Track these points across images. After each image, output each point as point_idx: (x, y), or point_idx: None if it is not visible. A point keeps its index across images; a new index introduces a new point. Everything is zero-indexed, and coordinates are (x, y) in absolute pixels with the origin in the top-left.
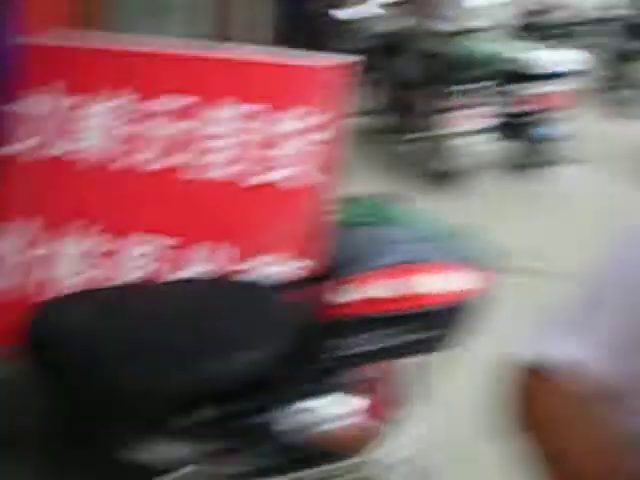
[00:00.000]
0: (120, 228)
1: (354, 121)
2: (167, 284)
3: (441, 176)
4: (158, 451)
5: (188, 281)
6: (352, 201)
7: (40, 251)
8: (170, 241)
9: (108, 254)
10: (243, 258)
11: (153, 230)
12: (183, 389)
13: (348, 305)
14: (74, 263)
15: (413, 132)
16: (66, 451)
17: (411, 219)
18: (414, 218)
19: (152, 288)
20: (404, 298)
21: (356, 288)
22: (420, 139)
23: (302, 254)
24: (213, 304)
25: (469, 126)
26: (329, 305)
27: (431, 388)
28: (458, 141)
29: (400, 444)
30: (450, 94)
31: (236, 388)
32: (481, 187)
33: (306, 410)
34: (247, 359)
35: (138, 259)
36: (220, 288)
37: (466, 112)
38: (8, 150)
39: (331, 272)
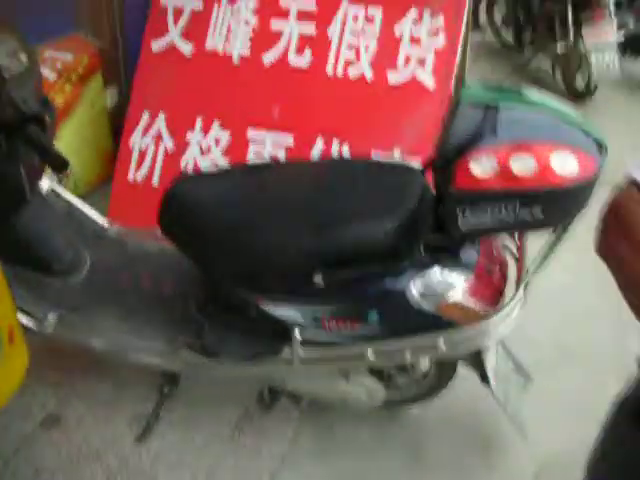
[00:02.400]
0: (240, 124)
1: (476, 34)
2: (301, 162)
3: (571, 92)
4: (289, 309)
5: (322, 161)
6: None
7: (172, 142)
8: (290, 138)
9: (229, 149)
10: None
11: (276, 126)
12: (317, 251)
13: (477, 180)
14: (196, 155)
15: (538, 48)
16: (209, 311)
17: (540, 101)
18: (543, 101)
19: (285, 165)
20: (533, 175)
21: (487, 162)
22: (547, 53)
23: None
24: (346, 178)
25: (599, 39)
26: (457, 180)
27: (542, 268)
28: (589, 55)
29: (503, 323)
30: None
31: (367, 253)
32: (610, 104)
33: (430, 278)
34: (380, 227)
35: (257, 155)
36: (353, 165)
37: (597, 24)
38: (150, 45)
39: (456, 152)
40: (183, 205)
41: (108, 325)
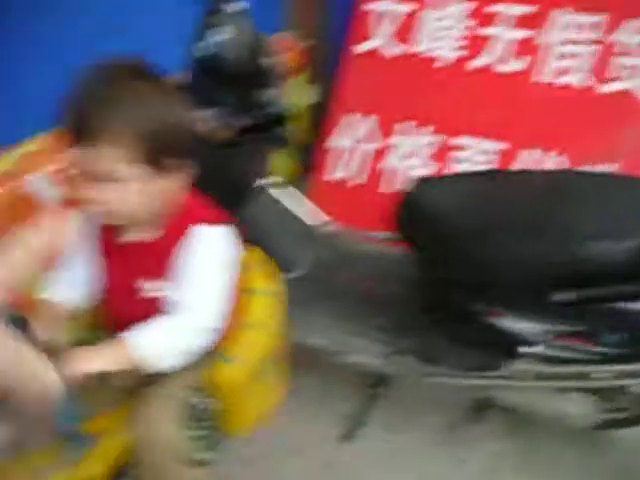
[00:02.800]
0: (452, 130)
1: None
2: (532, 172)
3: None
4: (519, 324)
5: (549, 171)
6: None
7: (375, 144)
8: (500, 145)
9: (438, 154)
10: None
11: (484, 134)
12: (557, 267)
13: None
14: (405, 158)
15: None
16: (432, 317)
17: None
18: None
19: (510, 174)
20: None
21: None
22: None
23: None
24: (581, 191)
25: None
26: None
27: None
28: None
29: None
30: None
31: (604, 273)
32: None
33: None
34: (621, 247)
35: (466, 162)
36: (588, 177)
37: None
38: (355, 47)
39: None
40: (422, 208)
41: (325, 324)
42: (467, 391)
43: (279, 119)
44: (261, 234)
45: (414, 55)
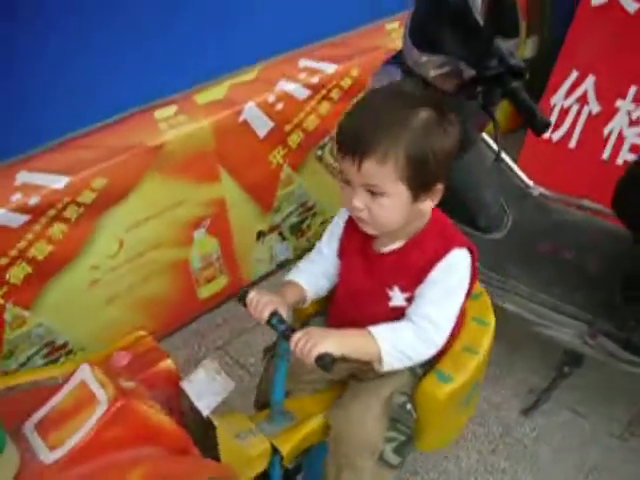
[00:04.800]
0: None
1: None
2: None
3: None
4: None
5: None
6: None
7: (599, 107)
8: None
9: None
10: None
11: None
12: None
13: None
14: (623, 125)
15: None
16: None
17: None
18: None
19: None
20: None
21: None
22: None
23: None
24: None
25: None
26: None
27: None
28: None
29: None
30: None
31: None
32: None
33: None
34: None
35: None
36: None
37: None
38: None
39: None
40: None
41: (524, 292)
42: None
43: (518, 72)
44: (470, 186)
45: None
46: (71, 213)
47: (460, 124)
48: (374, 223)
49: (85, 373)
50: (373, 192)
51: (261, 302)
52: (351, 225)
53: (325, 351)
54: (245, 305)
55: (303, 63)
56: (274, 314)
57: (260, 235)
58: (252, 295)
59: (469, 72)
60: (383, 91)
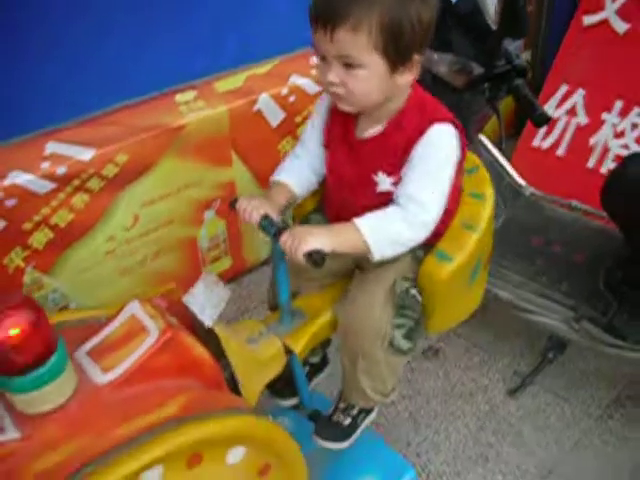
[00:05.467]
0: None
1: None
2: None
3: None
4: None
5: None
6: None
7: (587, 119)
8: None
9: None
10: None
11: None
12: None
13: None
14: (607, 136)
15: None
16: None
17: None
18: None
19: None
20: None
21: None
22: None
23: None
24: None
25: None
26: None
27: None
28: None
29: None
30: None
31: None
32: None
33: None
34: None
35: None
36: None
37: None
38: (576, 19)
39: None
40: (632, 183)
41: (515, 280)
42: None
43: (522, 71)
44: None
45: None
46: (94, 185)
47: (462, 123)
48: (351, 98)
49: (135, 308)
50: (348, 64)
51: (250, 206)
52: (332, 114)
53: (313, 248)
54: (235, 210)
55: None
56: (264, 217)
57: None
58: (242, 201)
59: (478, 70)
60: None
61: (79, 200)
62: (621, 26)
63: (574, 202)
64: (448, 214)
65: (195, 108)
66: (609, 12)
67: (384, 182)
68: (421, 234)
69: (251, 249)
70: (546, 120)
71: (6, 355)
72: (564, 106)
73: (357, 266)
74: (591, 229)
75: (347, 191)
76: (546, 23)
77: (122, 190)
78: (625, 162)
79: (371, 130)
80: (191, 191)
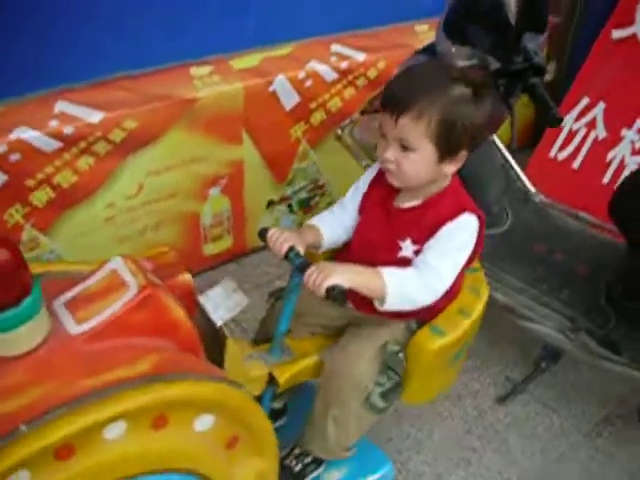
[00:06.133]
0: None
1: None
2: None
3: None
4: None
5: None
6: None
7: (606, 133)
8: None
9: None
10: None
11: None
12: None
13: None
14: (625, 153)
15: None
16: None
17: None
18: None
19: None
20: None
21: None
22: None
23: None
24: None
25: None
26: None
27: None
28: None
29: None
30: None
31: None
32: None
33: None
34: None
35: None
36: None
37: None
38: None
39: None
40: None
41: (515, 285)
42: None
43: (539, 69)
44: (476, 181)
45: None
46: (100, 148)
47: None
48: (400, 175)
49: (117, 263)
50: (404, 146)
51: (281, 237)
52: (376, 182)
53: (335, 283)
54: (265, 240)
55: (335, 48)
56: (291, 249)
57: (270, 204)
58: (272, 231)
59: (495, 65)
60: (427, 63)
61: (84, 162)
62: None
63: (581, 213)
64: (449, 298)
65: (210, 83)
66: (639, 27)
67: (408, 248)
68: (429, 298)
69: (253, 232)
70: (559, 121)
71: None
72: (584, 119)
73: (350, 324)
74: (596, 241)
75: (370, 251)
76: (574, 35)
77: (128, 157)
78: (636, 173)
79: (410, 202)
80: (198, 166)
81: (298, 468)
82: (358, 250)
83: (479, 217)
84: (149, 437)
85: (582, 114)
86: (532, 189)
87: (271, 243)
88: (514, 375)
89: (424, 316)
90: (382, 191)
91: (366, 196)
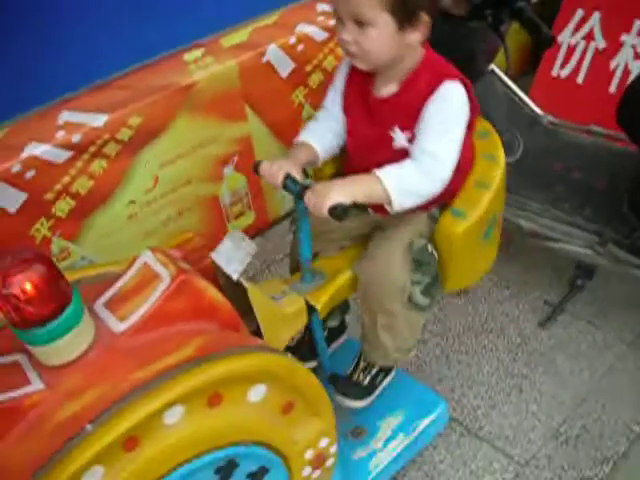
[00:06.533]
0: None
1: None
2: None
3: None
4: None
5: None
6: None
7: (605, 43)
8: None
9: None
10: None
11: None
12: None
13: None
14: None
15: None
16: None
17: None
18: None
19: None
20: None
21: None
22: None
23: None
24: None
25: None
26: None
27: None
28: None
29: None
30: None
31: None
32: None
33: None
34: None
35: None
36: None
37: None
38: None
39: None
40: None
41: (537, 208)
42: None
43: None
44: (481, 116)
45: None
46: (110, 150)
47: (470, 55)
48: (365, 56)
49: (147, 257)
50: (359, 22)
51: (274, 168)
52: (352, 77)
53: (336, 202)
54: (258, 173)
55: (321, 7)
56: (287, 177)
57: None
58: (265, 163)
59: None
60: None
61: (97, 166)
62: None
63: (593, 126)
64: (462, 173)
65: (204, 65)
66: None
67: (399, 137)
68: (437, 185)
69: (273, 203)
70: (551, 40)
71: (22, 309)
72: (581, 31)
73: (375, 228)
74: (611, 152)
75: (365, 150)
76: None
77: (139, 153)
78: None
79: (387, 89)
80: (208, 148)
81: (367, 381)
82: (354, 151)
83: (461, 80)
84: (207, 416)
85: (578, 27)
86: (539, 112)
87: (266, 175)
88: (552, 298)
89: (443, 199)
90: (359, 85)
91: (345, 95)
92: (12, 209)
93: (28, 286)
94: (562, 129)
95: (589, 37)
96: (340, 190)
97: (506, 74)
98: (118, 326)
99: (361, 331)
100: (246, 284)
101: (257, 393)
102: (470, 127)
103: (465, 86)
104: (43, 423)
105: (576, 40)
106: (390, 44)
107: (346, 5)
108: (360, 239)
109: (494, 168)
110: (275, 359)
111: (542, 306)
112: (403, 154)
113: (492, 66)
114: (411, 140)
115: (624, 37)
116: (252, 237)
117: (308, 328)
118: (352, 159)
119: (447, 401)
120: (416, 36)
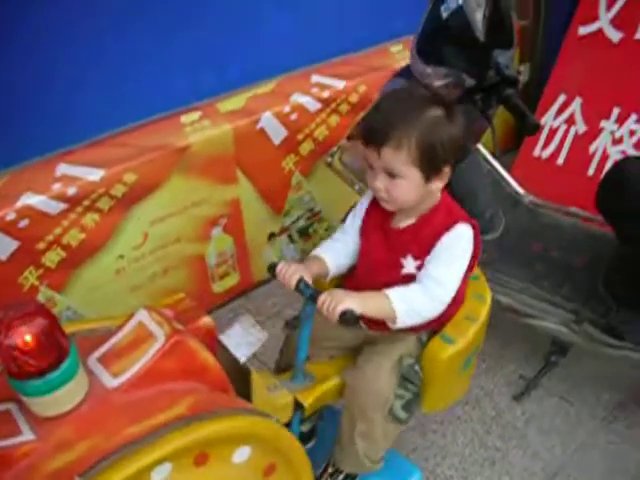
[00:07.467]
0: None
1: None
2: None
3: None
4: None
5: None
6: None
7: (586, 127)
8: None
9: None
10: None
11: None
12: None
13: None
14: (607, 144)
15: None
16: (620, 292)
17: None
18: None
19: None
20: None
21: None
22: None
23: None
24: None
25: None
26: None
27: None
28: None
29: None
30: None
31: None
32: None
33: None
34: None
35: None
36: None
37: None
38: (571, 29)
39: None
40: (626, 184)
41: (517, 286)
42: None
43: (512, 81)
44: (466, 192)
45: (636, 41)
46: (104, 204)
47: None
48: (392, 201)
49: (143, 315)
50: (391, 174)
51: (289, 271)
52: (372, 207)
53: (349, 307)
54: (274, 275)
55: (315, 79)
56: (301, 280)
57: (271, 236)
58: (281, 265)
59: (470, 82)
60: (397, 93)
61: (90, 219)
62: (615, 35)
63: (572, 208)
64: (456, 305)
65: (200, 128)
66: (603, 22)
67: (410, 265)
68: (438, 308)
69: (258, 265)
70: (536, 127)
71: (21, 360)
72: (562, 115)
73: (365, 342)
74: (589, 234)
75: (374, 272)
76: (543, 36)
77: (131, 209)
78: (619, 163)
79: (406, 222)
80: (198, 209)
81: None
82: (363, 272)
83: (472, 225)
84: (193, 474)
85: (560, 111)
86: (521, 190)
87: (281, 277)
88: (527, 372)
89: (434, 326)
90: (379, 215)
91: (364, 221)
92: (2, 256)
93: (29, 338)
94: (543, 209)
95: (570, 121)
96: (354, 299)
97: (492, 155)
98: (111, 382)
99: (337, 436)
100: (253, 372)
101: (241, 454)
102: (470, 268)
103: (474, 229)
104: (33, 473)
105: (558, 123)
106: (416, 192)
107: (380, 160)
108: (349, 351)
109: (482, 306)
110: (262, 422)
111: (517, 380)
112: (408, 279)
113: (477, 145)
114: (419, 267)
115: (603, 123)
116: (235, 298)
117: (285, 424)
118: (358, 278)
119: (421, 471)
120: (438, 184)
